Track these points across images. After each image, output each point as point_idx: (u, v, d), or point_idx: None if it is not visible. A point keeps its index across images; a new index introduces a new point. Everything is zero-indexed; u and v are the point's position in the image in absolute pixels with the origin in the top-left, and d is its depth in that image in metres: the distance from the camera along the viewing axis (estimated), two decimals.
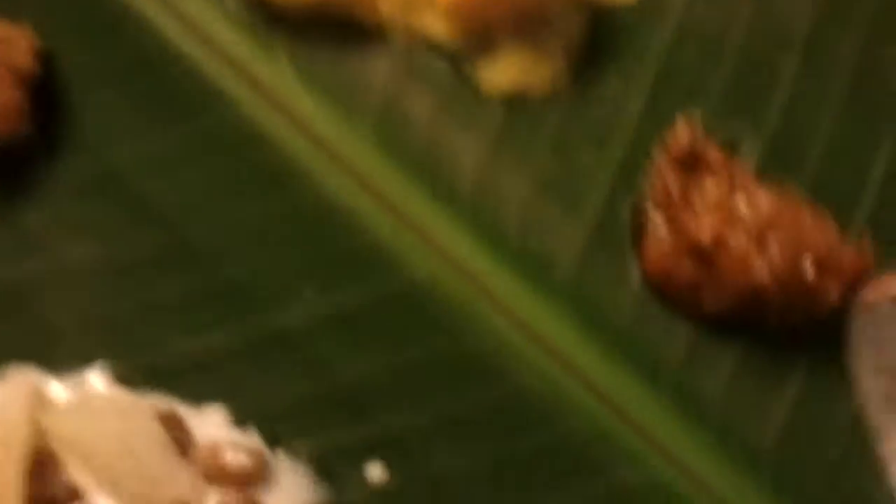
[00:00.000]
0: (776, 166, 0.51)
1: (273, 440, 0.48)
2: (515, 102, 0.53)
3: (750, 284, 0.46)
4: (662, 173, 0.51)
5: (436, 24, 0.53)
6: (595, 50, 0.53)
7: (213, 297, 0.50)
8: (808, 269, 0.45)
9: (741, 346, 0.50)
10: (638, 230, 0.51)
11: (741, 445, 0.49)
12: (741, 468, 0.48)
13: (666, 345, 0.50)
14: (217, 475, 0.45)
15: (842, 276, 0.46)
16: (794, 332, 0.49)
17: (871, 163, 0.52)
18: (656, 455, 0.48)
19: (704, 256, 0.47)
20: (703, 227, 0.47)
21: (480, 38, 0.53)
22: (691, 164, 0.51)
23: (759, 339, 0.50)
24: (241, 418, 0.48)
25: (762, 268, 0.46)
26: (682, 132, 0.51)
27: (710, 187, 0.49)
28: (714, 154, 0.51)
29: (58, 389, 0.47)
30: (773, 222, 0.47)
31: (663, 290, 0.49)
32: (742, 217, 0.47)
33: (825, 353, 0.49)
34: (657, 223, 0.50)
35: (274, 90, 0.52)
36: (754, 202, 0.48)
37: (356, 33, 0.53)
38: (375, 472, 0.48)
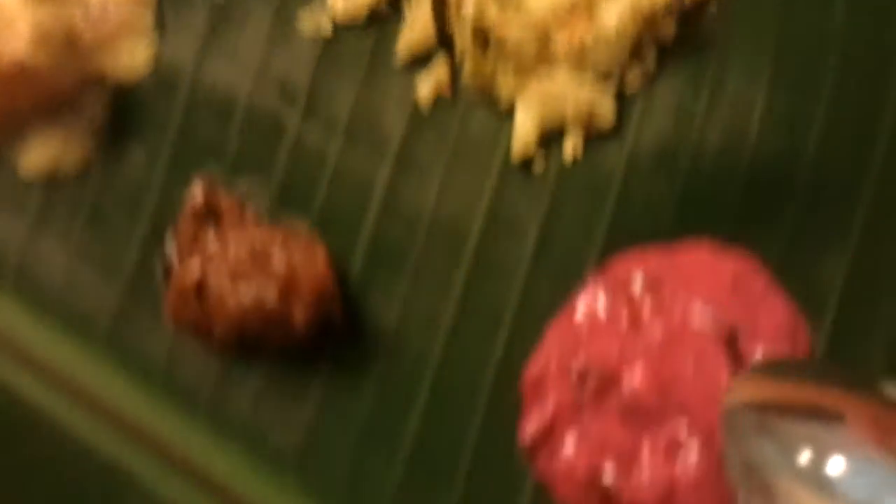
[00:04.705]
0: (287, 208, 0.59)
1: None
2: (53, 182, 0.59)
3: (231, 318, 0.53)
4: (182, 226, 0.58)
5: None
6: (119, 125, 0.60)
7: None
8: (270, 298, 0.53)
9: (266, 366, 0.57)
10: (166, 280, 0.58)
11: (269, 453, 0.56)
12: (269, 473, 0.56)
13: (199, 378, 0.57)
14: None
15: (303, 298, 0.53)
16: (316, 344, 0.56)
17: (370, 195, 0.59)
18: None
19: (201, 294, 0.54)
20: (190, 270, 0.55)
21: (11, 124, 0.59)
22: (207, 215, 0.58)
23: (285, 356, 0.57)
24: None
25: (234, 302, 0.53)
26: (198, 188, 0.58)
27: (212, 235, 0.56)
28: (226, 204, 0.58)
29: None
30: (248, 261, 0.54)
31: (181, 330, 0.56)
32: (225, 258, 0.55)
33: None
34: (177, 271, 0.57)
35: None
36: (242, 241, 0.55)
37: None
38: None
